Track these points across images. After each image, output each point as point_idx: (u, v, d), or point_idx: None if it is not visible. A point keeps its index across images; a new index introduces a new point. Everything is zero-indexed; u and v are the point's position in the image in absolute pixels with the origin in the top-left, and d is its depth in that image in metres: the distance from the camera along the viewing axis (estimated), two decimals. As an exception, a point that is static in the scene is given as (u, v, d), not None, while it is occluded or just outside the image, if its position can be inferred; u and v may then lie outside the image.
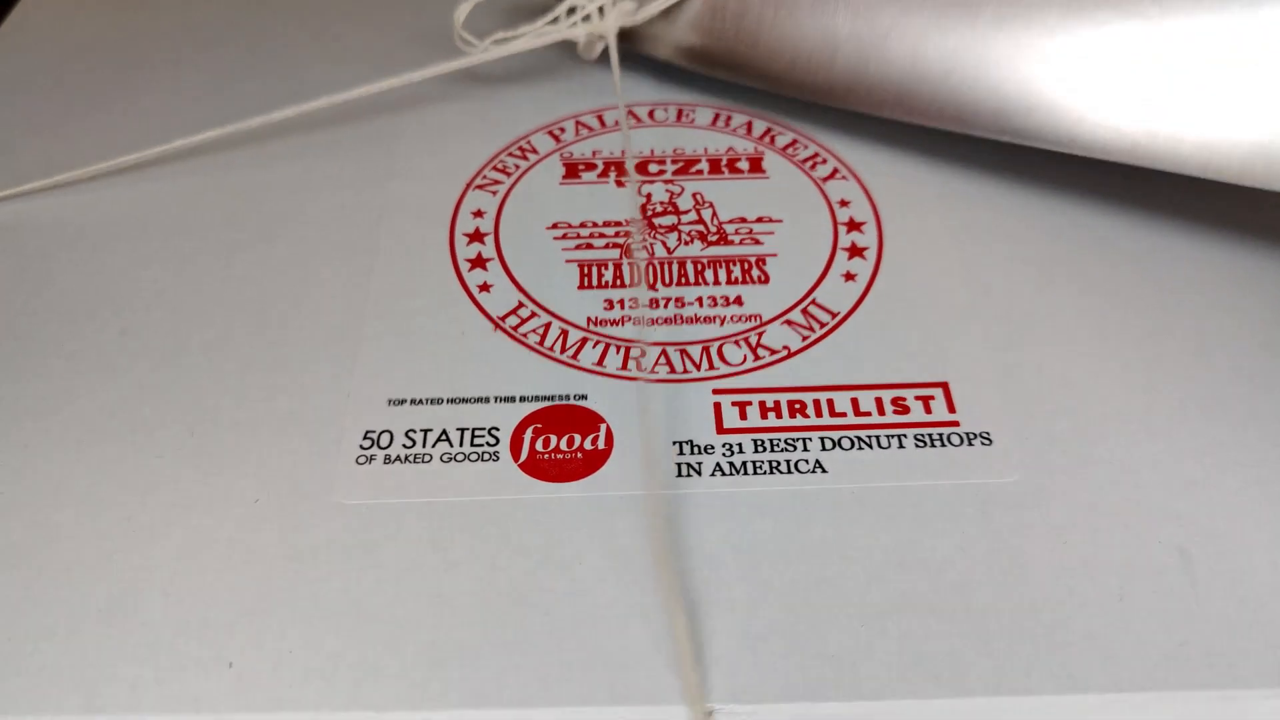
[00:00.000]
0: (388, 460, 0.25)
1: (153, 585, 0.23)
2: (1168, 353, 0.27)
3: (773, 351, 0.27)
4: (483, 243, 0.30)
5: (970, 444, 0.25)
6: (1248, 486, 0.25)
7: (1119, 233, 0.31)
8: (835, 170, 0.32)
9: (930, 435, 0.25)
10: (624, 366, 0.27)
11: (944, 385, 0.26)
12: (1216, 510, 0.24)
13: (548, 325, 0.28)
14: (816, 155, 0.33)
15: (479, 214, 0.31)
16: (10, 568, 0.23)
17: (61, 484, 0.25)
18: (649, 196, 0.32)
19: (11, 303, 0.29)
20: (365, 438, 0.25)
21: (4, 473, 0.25)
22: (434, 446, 0.25)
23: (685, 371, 0.27)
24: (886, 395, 0.26)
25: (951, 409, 0.26)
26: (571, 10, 0.29)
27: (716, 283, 0.29)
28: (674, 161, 0.33)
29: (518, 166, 0.33)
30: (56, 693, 0.21)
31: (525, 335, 0.28)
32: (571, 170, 0.33)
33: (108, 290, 0.29)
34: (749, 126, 0.34)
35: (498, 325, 0.28)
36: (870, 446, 0.25)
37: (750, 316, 0.28)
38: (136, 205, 0.32)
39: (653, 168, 0.33)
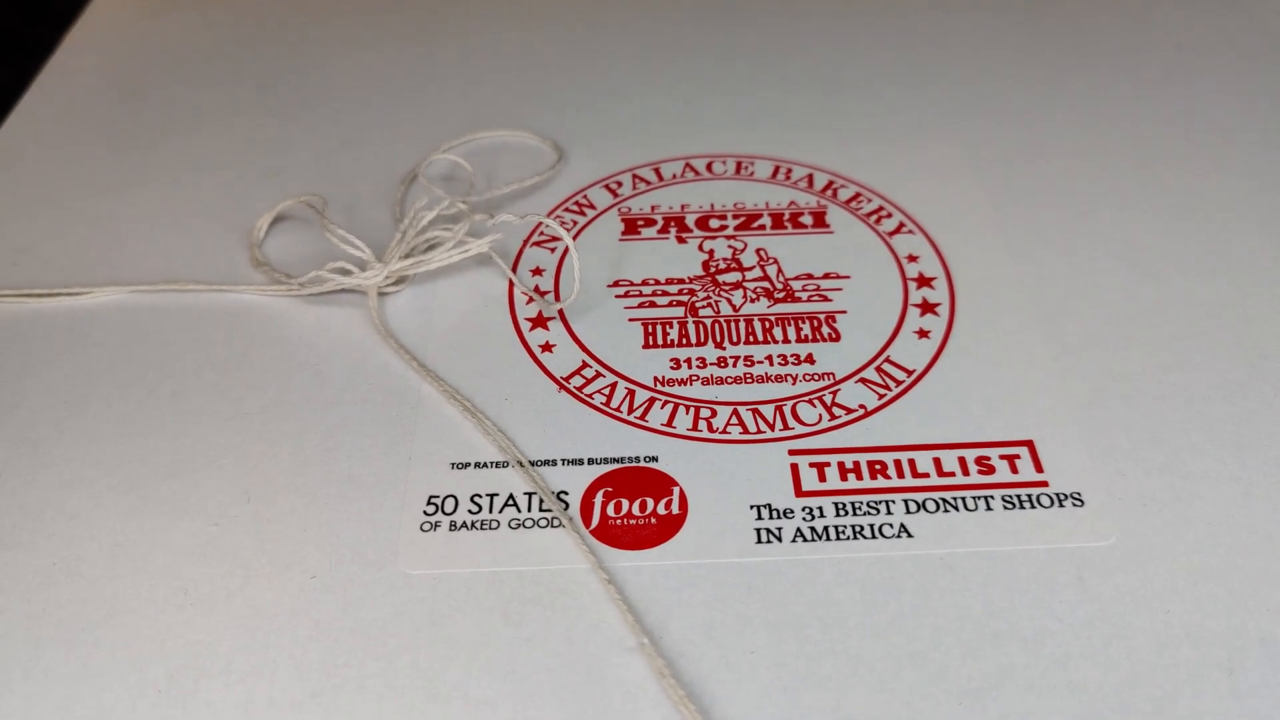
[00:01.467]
0: (453, 527, 0.24)
1: (214, 662, 0.22)
2: (1261, 408, 0.26)
3: (848, 410, 0.26)
4: (544, 300, 0.29)
5: (1061, 505, 0.24)
6: (1361, 551, 0.23)
7: (1198, 281, 0.30)
8: (901, 224, 0.32)
9: (1019, 496, 0.24)
10: (694, 427, 0.26)
11: (1029, 443, 0.25)
12: (1329, 576, 0.23)
13: (613, 385, 0.27)
14: (881, 209, 0.32)
15: (538, 271, 0.31)
16: (64, 643, 0.22)
17: (115, 554, 0.24)
18: (711, 253, 0.31)
19: (54, 365, 0.28)
20: (429, 503, 0.24)
21: (55, 543, 0.24)
22: (501, 512, 0.24)
23: (759, 431, 0.26)
24: (970, 455, 0.25)
25: (1039, 468, 0.25)
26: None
27: (786, 341, 0.28)
28: (735, 216, 0.32)
29: (575, 222, 0.32)
30: (114, 777, 0.20)
31: (591, 396, 0.27)
32: (631, 226, 0.32)
33: (155, 352, 0.29)
34: (810, 179, 0.33)
35: (562, 386, 0.27)
36: (956, 509, 0.24)
37: (823, 375, 0.27)
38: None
39: (714, 223, 0.32)
